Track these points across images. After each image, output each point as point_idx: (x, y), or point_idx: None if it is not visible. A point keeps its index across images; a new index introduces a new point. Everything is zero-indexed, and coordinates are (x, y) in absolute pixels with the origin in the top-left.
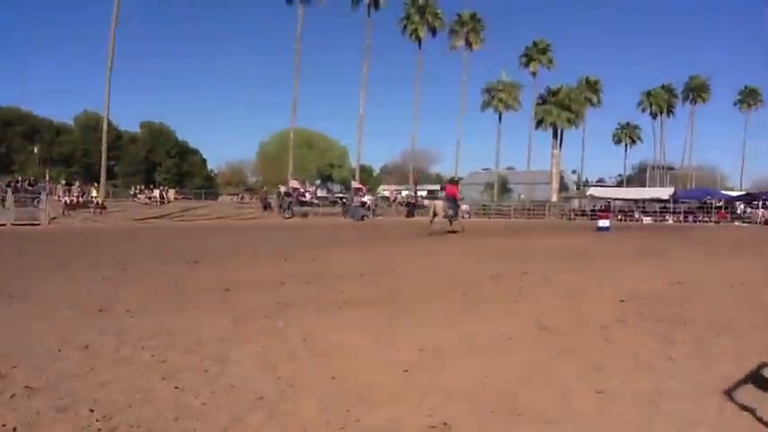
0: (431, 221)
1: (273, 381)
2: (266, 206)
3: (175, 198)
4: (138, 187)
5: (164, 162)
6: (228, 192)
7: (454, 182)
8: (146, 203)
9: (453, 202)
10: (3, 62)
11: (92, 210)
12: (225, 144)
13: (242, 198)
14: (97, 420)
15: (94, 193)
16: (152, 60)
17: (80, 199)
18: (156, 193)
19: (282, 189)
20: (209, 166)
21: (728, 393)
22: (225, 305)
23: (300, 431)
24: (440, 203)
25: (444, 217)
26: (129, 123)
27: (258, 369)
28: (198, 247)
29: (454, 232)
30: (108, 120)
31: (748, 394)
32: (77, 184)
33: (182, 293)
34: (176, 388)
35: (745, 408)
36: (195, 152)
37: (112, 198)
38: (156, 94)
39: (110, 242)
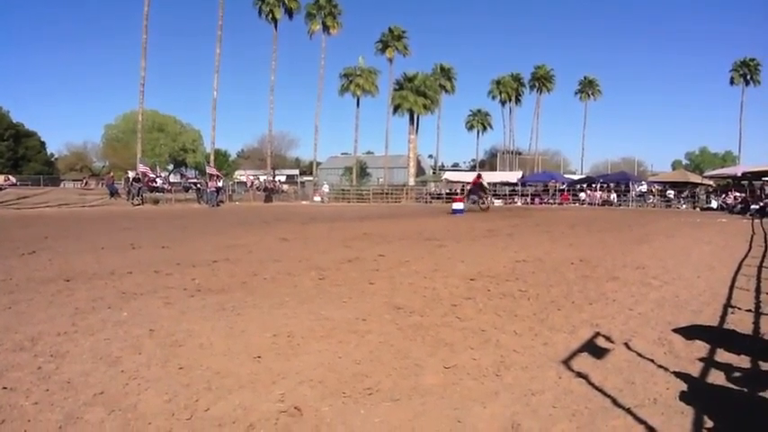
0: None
1: (115, 374)
2: (113, 192)
3: (9, 184)
4: None
5: None
6: (71, 177)
7: (478, 175)
8: None
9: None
10: None
11: None
12: (66, 126)
13: (86, 184)
14: None
15: None
16: None
17: None
18: None
19: (131, 174)
20: (49, 149)
21: (566, 362)
22: (64, 297)
23: (144, 425)
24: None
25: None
26: None
27: (99, 363)
28: (35, 236)
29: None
30: None
31: (584, 362)
32: None
33: (14, 286)
34: (4, 388)
35: (580, 375)
36: (32, 135)
37: None
38: None
39: None
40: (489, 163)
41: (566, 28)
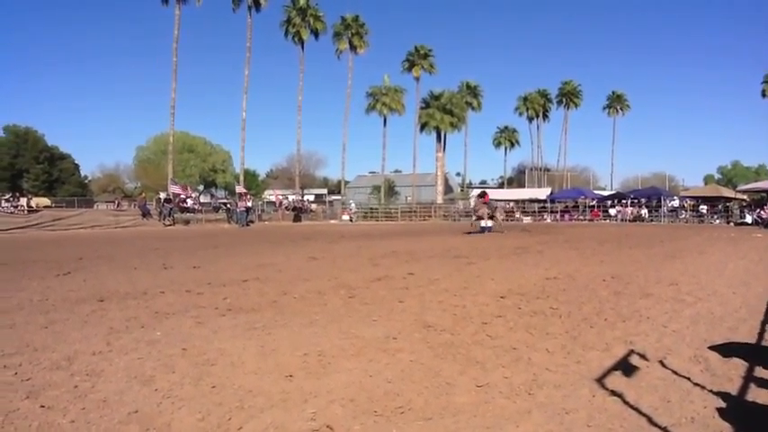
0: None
1: (149, 393)
2: (145, 213)
3: (45, 206)
4: (2, 195)
5: (31, 168)
6: (104, 199)
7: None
8: (11, 212)
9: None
10: None
11: None
12: (99, 149)
13: (119, 205)
14: None
15: None
16: (15, 61)
17: None
18: (24, 201)
19: (162, 195)
20: (83, 171)
21: (600, 381)
22: (98, 317)
23: None
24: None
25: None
26: None
27: (133, 382)
28: (70, 257)
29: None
30: None
31: (618, 380)
32: None
33: (51, 306)
34: (42, 407)
35: (614, 393)
36: (66, 157)
37: None
38: (22, 96)
39: None
40: (517, 180)
41: (593, 43)
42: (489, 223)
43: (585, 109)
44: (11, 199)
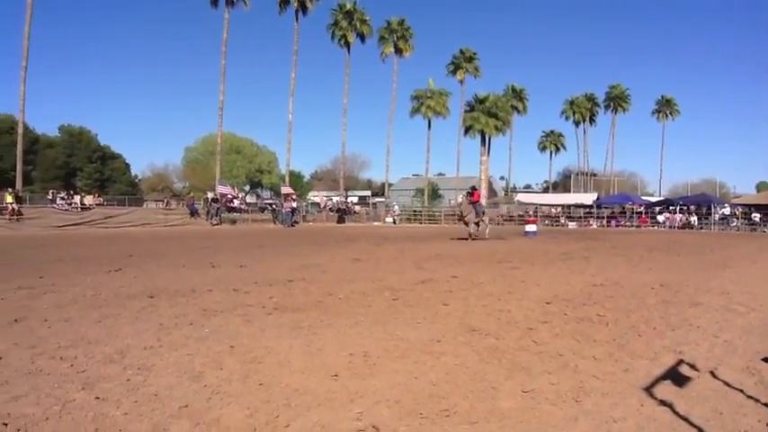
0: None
1: (199, 388)
2: (193, 212)
3: (97, 204)
4: (57, 193)
5: (84, 167)
6: (154, 198)
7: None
8: (65, 210)
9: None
10: None
11: (6, 216)
12: (149, 148)
13: (168, 204)
14: None
15: (9, 200)
16: (71, 62)
17: None
18: (77, 199)
19: (210, 195)
20: (133, 171)
21: (648, 390)
22: (149, 313)
23: None
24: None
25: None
26: (46, 127)
27: (183, 377)
28: (121, 254)
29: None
30: (24, 122)
31: (667, 390)
32: None
33: (103, 302)
34: (97, 398)
35: (663, 403)
36: (118, 157)
37: (29, 204)
38: (76, 97)
39: (26, 250)
40: (563, 184)
41: (641, 46)
42: (472, 228)
43: (633, 113)
44: (65, 197)
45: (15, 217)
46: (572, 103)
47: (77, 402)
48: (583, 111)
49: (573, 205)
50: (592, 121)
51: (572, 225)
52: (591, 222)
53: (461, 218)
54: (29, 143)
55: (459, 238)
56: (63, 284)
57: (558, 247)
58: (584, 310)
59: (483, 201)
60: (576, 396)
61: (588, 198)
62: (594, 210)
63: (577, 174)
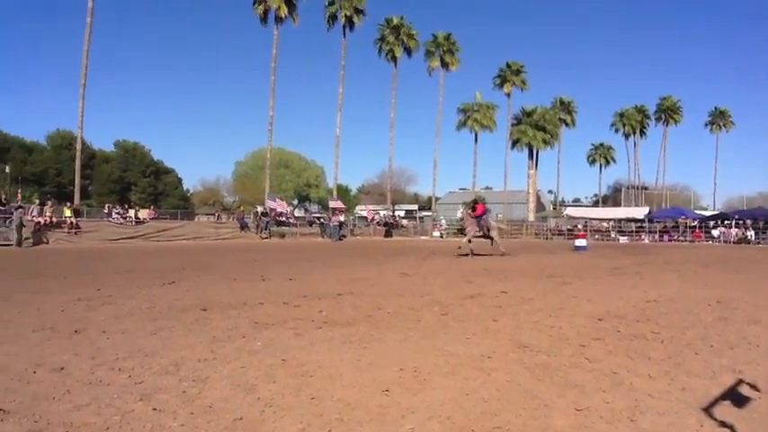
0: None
1: (252, 401)
2: (243, 226)
3: (150, 218)
4: (113, 207)
5: (138, 181)
6: (205, 211)
7: (476, 204)
8: (120, 223)
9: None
10: None
11: (65, 230)
12: (200, 163)
13: (218, 218)
14: None
15: (68, 213)
16: (126, 80)
17: (53, 219)
18: (132, 212)
19: (260, 209)
20: (185, 185)
21: (707, 410)
22: (202, 326)
23: None
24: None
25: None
26: (102, 142)
27: (237, 390)
28: (174, 267)
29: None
30: (81, 138)
31: (727, 410)
32: (50, 203)
33: (158, 314)
34: (154, 409)
35: (724, 424)
36: (170, 171)
37: (86, 218)
38: (131, 113)
39: (84, 263)
40: (613, 198)
41: (693, 58)
42: (464, 242)
43: (686, 125)
44: (121, 211)
45: (74, 230)
46: (622, 115)
47: (136, 413)
48: (633, 123)
49: (624, 219)
50: (642, 133)
51: (623, 240)
52: (642, 237)
53: (462, 231)
54: (86, 158)
55: (458, 256)
56: (119, 296)
57: (608, 261)
58: (638, 327)
59: (530, 215)
60: (631, 415)
61: (639, 212)
62: (646, 224)
63: (628, 187)
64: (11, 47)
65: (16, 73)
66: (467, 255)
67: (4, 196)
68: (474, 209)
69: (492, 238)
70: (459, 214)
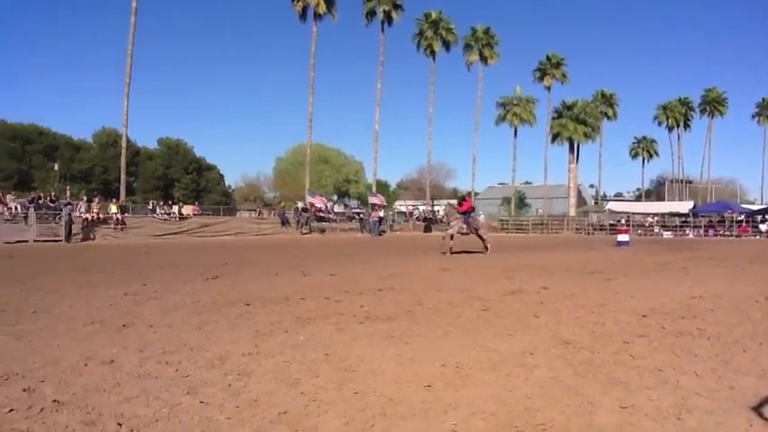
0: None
1: (296, 395)
2: (284, 222)
3: (194, 214)
4: (157, 203)
5: (181, 178)
6: (246, 207)
7: (464, 200)
8: (164, 219)
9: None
10: (21, 80)
11: (111, 226)
12: (241, 159)
13: (260, 213)
14: None
15: (114, 210)
16: (169, 77)
17: (100, 215)
18: (175, 209)
19: (300, 205)
20: (227, 181)
21: (756, 409)
22: (245, 320)
23: None
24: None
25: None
26: (146, 140)
27: (281, 384)
28: (217, 262)
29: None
30: (127, 136)
31: None
32: (97, 200)
33: (202, 308)
34: (201, 402)
35: None
36: (212, 168)
37: (131, 214)
38: (173, 111)
39: (129, 258)
40: (656, 192)
41: (739, 48)
42: (447, 238)
43: (731, 117)
44: (165, 207)
45: (120, 226)
46: (665, 107)
47: (184, 406)
48: (677, 115)
49: (667, 214)
50: (686, 126)
51: (667, 235)
52: (687, 232)
53: (448, 230)
54: (131, 156)
55: (443, 253)
56: (165, 291)
57: (652, 257)
58: (684, 324)
59: (571, 210)
60: (678, 413)
61: (684, 206)
62: (691, 219)
63: (672, 181)
64: (59, 50)
65: (64, 74)
66: (444, 253)
67: (53, 194)
68: (460, 204)
69: (481, 237)
70: (442, 210)
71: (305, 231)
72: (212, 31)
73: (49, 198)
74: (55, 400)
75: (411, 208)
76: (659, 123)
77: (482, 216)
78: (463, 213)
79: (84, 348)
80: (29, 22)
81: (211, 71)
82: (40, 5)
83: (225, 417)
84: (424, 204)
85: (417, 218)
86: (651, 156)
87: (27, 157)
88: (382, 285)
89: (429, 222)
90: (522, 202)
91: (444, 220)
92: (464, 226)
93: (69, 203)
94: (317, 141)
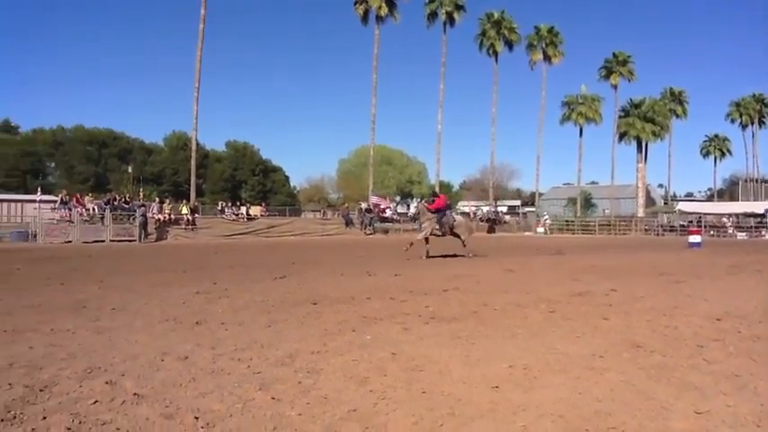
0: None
1: (365, 393)
2: (348, 222)
3: (261, 214)
4: (225, 204)
5: (248, 180)
6: (310, 208)
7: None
8: (233, 220)
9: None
10: (97, 88)
11: (183, 226)
12: (306, 161)
13: (324, 214)
14: (201, 428)
15: (185, 210)
16: (236, 81)
17: (172, 216)
18: (243, 209)
19: (364, 205)
20: (292, 183)
21: None
22: (313, 319)
23: None
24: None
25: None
26: (215, 143)
27: (350, 381)
28: (284, 262)
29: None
30: (196, 139)
31: None
32: (168, 201)
33: (271, 307)
34: (273, 398)
35: None
36: (278, 170)
37: (201, 215)
38: (241, 114)
39: (200, 257)
40: (729, 192)
41: None
42: (419, 237)
43: None
44: (233, 208)
45: (190, 227)
46: (738, 104)
47: (256, 402)
48: (751, 112)
49: (741, 214)
50: (761, 123)
51: (741, 236)
52: (763, 233)
53: (421, 229)
54: (200, 158)
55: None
56: (235, 290)
57: (725, 259)
58: (761, 328)
59: (640, 210)
60: (757, 420)
61: (759, 206)
62: (767, 219)
63: (746, 180)
64: (132, 60)
65: (136, 80)
66: (422, 257)
67: (128, 195)
68: (432, 201)
69: (459, 237)
70: (413, 209)
71: (369, 232)
72: (276, 37)
73: (123, 199)
74: (135, 393)
75: (474, 209)
76: (732, 121)
77: (459, 215)
78: (435, 212)
79: (160, 344)
80: (108, 31)
81: (277, 75)
82: (119, 11)
83: (296, 413)
84: (488, 205)
85: (481, 219)
86: (723, 154)
87: (103, 161)
88: (447, 286)
89: (492, 223)
90: (588, 203)
91: (418, 220)
92: (437, 226)
93: (143, 205)
94: (380, 143)
